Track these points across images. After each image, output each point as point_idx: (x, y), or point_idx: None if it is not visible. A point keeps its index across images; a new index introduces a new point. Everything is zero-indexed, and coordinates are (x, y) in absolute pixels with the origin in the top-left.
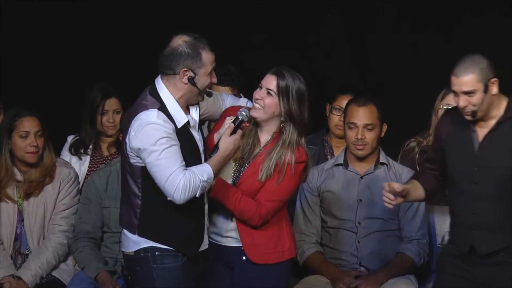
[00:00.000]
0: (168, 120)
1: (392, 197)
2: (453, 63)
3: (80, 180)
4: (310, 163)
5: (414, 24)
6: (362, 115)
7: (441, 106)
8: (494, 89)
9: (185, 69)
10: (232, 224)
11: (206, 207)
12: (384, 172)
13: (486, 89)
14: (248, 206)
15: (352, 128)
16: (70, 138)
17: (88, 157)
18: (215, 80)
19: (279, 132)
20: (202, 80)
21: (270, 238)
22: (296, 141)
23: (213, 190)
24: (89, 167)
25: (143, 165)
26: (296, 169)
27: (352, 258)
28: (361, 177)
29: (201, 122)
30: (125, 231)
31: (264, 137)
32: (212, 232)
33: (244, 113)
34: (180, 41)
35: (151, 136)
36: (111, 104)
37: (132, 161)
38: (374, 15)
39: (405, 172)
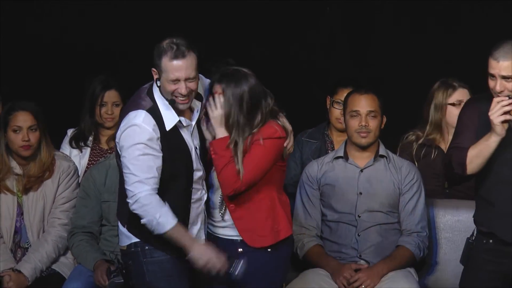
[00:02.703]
0: (155, 125)
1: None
2: (452, 56)
3: (80, 173)
4: (291, 140)
5: (414, 17)
6: (365, 103)
7: (452, 102)
8: None
9: (153, 69)
10: (225, 215)
11: (202, 202)
12: (384, 165)
13: None
14: (232, 175)
15: (355, 116)
16: (70, 132)
17: (88, 150)
18: (182, 91)
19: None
20: (164, 85)
21: (265, 221)
22: (242, 143)
23: (217, 140)
24: (89, 160)
25: None
26: (267, 143)
27: (352, 251)
28: (361, 170)
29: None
30: (119, 225)
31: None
32: (208, 223)
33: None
34: (165, 40)
35: (131, 138)
36: (111, 96)
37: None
38: (373, 9)
39: (405, 165)
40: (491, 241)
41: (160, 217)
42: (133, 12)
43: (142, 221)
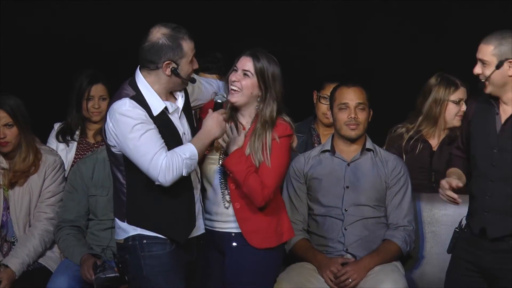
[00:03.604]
0: (140, 107)
1: (455, 195)
2: (443, 52)
3: (66, 168)
4: (295, 136)
5: (404, 14)
6: (353, 95)
7: (453, 100)
8: (510, 71)
9: (168, 62)
10: (221, 208)
11: (198, 191)
12: (370, 159)
13: (499, 66)
14: (256, 184)
15: (344, 108)
16: (56, 126)
17: (75, 144)
18: (196, 66)
19: (258, 114)
20: (185, 69)
21: (270, 223)
22: (273, 119)
23: (228, 158)
24: (75, 154)
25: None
26: (283, 143)
27: (338, 245)
28: (348, 164)
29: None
30: (116, 220)
31: (245, 120)
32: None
33: (220, 95)
34: (159, 34)
35: (126, 125)
36: (97, 90)
37: (113, 150)
38: (365, 4)
39: (392, 159)
40: (469, 232)
41: (185, 154)
42: (121, 6)
43: (184, 174)
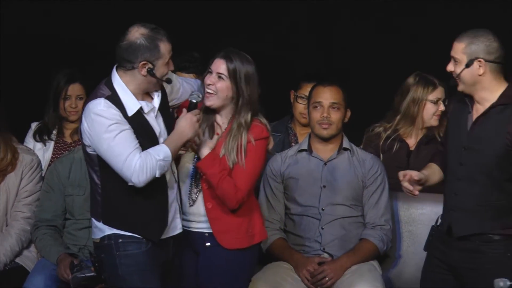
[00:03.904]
0: (115, 107)
1: (411, 187)
2: (418, 50)
3: (43, 167)
4: (271, 137)
5: (379, 10)
6: (328, 95)
7: (432, 99)
8: (480, 70)
9: (144, 62)
10: (193, 208)
11: (175, 191)
12: (347, 158)
13: (469, 65)
14: (229, 187)
15: (317, 107)
16: (33, 125)
17: (52, 144)
18: (172, 67)
19: (234, 116)
20: (161, 70)
21: (241, 223)
22: (248, 121)
23: (202, 160)
24: (53, 153)
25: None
26: (259, 146)
27: (315, 245)
28: (325, 163)
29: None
30: (93, 219)
31: (222, 121)
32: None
33: (195, 95)
34: (137, 34)
35: (100, 124)
36: (75, 89)
37: (88, 150)
38: (339, 2)
39: (369, 158)
40: (442, 230)
41: (159, 155)
42: (99, 4)
43: (157, 175)
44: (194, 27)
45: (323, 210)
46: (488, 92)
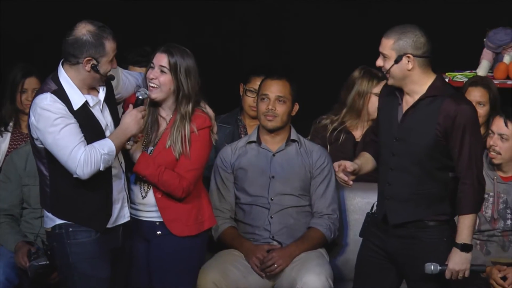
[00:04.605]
0: (61, 101)
1: (345, 178)
2: (366, 44)
3: (0, 158)
4: (215, 126)
5: (328, 5)
6: (275, 88)
7: (376, 92)
8: (409, 65)
9: (89, 58)
10: (146, 199)
11: (122, 181)
12: (295, 149)
13: (398, 61)
14: (171, 179)
15: (264, 99)
16: None
17: (9, 135)
18: (115, 65)
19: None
20: (104, 67)
21: (190, 211)
22: (189, 112)
23: (136, 164)
24: (9, 144)
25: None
26: (202, 135)
27: (265, 233)
28: (273, 154)
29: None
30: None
31: (166, 113)
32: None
33: (142, 92)
34: (84, 30)
35: (46, 118)
36: (31, 83)
37: (36, 143)
38: None
39: (316, 149)
40: (376, 216)
41: (103, 149)
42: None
43: (101, 168)
44: (143, 21)
45: (272, 200)
46: (417, 85)
